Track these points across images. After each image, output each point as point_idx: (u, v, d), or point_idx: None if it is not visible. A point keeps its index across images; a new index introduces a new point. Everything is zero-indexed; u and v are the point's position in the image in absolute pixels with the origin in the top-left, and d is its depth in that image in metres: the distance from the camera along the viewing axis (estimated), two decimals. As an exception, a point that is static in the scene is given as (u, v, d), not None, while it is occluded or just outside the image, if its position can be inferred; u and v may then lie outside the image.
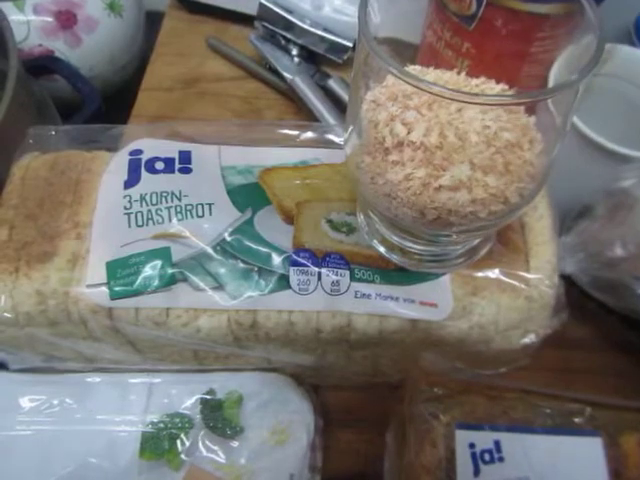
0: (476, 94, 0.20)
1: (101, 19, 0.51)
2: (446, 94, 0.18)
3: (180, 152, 0.27)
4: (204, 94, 0.44)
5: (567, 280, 0.30)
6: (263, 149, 0.28)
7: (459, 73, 0.24)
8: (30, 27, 0.48)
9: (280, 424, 0.28)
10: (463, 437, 0.27)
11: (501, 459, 0.27)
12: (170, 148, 0.28)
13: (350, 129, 0.22)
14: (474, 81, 0.23)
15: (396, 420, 0.29)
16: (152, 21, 0.54)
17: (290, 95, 0.43)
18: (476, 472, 0.26)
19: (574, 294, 0.33)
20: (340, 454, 0.29)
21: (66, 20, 0.50)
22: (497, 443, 0.27)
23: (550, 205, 0.27)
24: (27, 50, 0.47)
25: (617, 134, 0.31)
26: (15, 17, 0.47)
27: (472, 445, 0.27)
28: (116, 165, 0.27)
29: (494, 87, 0.23)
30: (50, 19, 0.49)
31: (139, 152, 0.27)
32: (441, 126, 0.20)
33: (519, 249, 0.26)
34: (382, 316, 0.24)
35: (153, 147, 0.27)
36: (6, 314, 0.24)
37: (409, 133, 0.20)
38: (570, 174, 0.31)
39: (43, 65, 0.44)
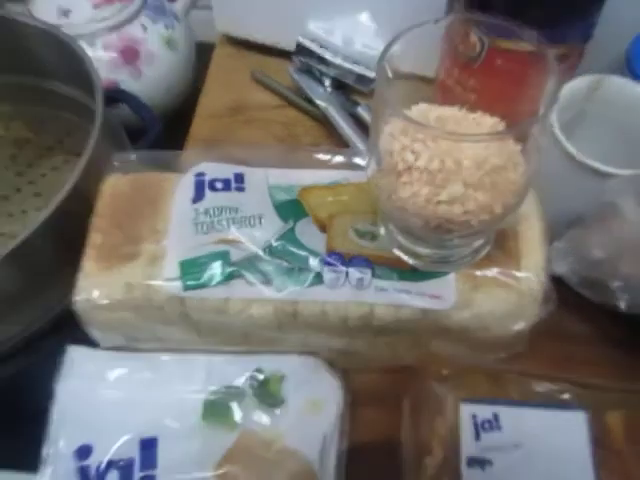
0: (455, 133, 0.26)
1: (159, 53, 0.58)
2: (436, 133, 0.24)
3: (235, 174, 0.34)
4: (249, 120, 0.50)
5: (559, 280, 0.35)
6: (301, 171, 0.35)
7: (461, 108, 0.30)
8: (98, 62, 0.56)
9: (315, 397, 0.33)
10: (467, 410, 0.33)
11: (499, 428, 0.32)
12: (227, 171, 0.34)
13: (370, 157, 0.28)
14: (472, 115, 0.29)
15: (411, 397, 0.34)
16: (201, 52, 0.61)
17: (323, 121, 0.49)
18: (477, 437, 0.32)
19: (572, 293, 0.38)
20: (364, 425, 0.35)
21: (130, 55, 0.57)
22: (495, 415, 0.32)
23: (540, 217, 0.32)
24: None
25: (608, 154, 0.36)
26: (89, 54, 0.55)
27: (474, 416, 0.32)
28: (185, 184, 0.33)
29: (488, 121, 0.28)
30: (115, 55, 0.56)
31: (202, 174, 0.34)
32: (441, 154, 0.25)
33: (512, 253, 0.31)
34: (398, 306, 0.30)
35: (213, 170, 0.34)
36: (103, 301, 0.31)
37: (416, 160, 0.26)
38: (562, 190, 0.36)
39: (111, 96, 0.52)
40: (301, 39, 0.50)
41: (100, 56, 0.55)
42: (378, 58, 0.27)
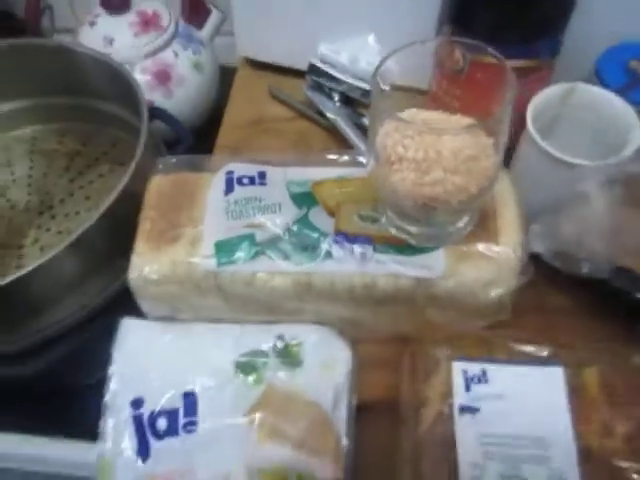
0: (434, 128, 0.32)
1: (188, 76, 0.66)
2: (420, 128, 0.30)
3: (258, 172, 0.41)
4: (267, 130, 0.57)
5: (538, 258, 0.41)
6: (314, 169, 0.41)
7: (444, 112, 0.36)
8: (135, 84, 0.63)
9: (327, 359, 0.39)
10: (459, 366, 0.38)
11: (486, 381, 0.38)
12: (251, 169, 0.41)
13: (370, 154, 0.35)
14: (453, 117, 0.35)
15: (409, 358, 0.40)
16: (224, 74, 0.68)
17: (333, 131, 0.56)
18: (467, 389, 0.37)
19: (552, 271, 0.44)
20: (369, 386, 0.40)
21: (163, 78, 0.65)
22: (483, 371, 0.38)
23: (516, 202, 0.38)
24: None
25: (581, 150, 0.42)
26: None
27: (465, 372, 0.38)
28: (217, 181, 0.40)
29: (465, 121, 0.34)
30: (150, 77, 0.64)
31: (232, 172, 0.41)
32: (425, 147, 0.32)
33: (492, 231, 0.37)
34: (395, 275, 0.36)
35: (240, 169, 0.41)
36: (152, 276, 0.37)
37: (406, 152, 0.32)
38: (540, 181, 0.43)
39: (150, 113, 0.59)
40: (313, 60, 0.57)
41: (138, 79, 0.63)
42: (372, 74, 0.33)
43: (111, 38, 0.63)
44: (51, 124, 0.60)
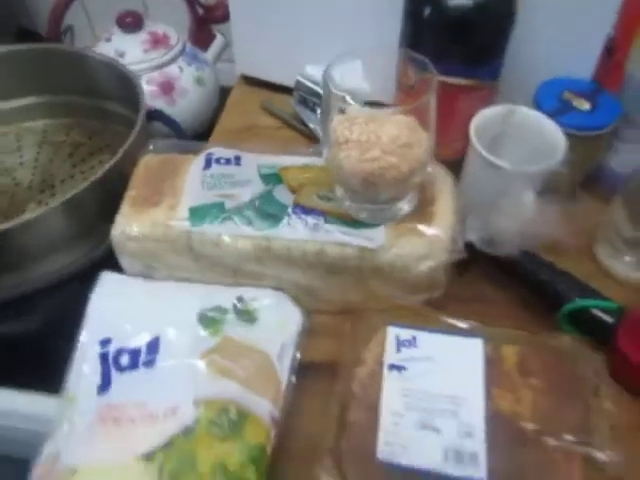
0: (369, 114, 0.38)
1: (190, 88, 0.74)
2: (360, 115, 0.37)
3: (235, 156, 0.47)
4: (256, 135, 0.64)
5: (472, 246, 0.47)
6: (284, 157, 0.48)
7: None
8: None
9: (280, 319, 0.45)
10: (393, 331, 0.43)
11: (415, 346, 0.43)
12: (229, 153, 0.48)
13: (324, 143, 0.41)
14: (396, 116, 0.42)
15: (351, 325, 0.45)
16: (223, 94, 0.76)
17: (314, 139, 0.63)
18: (398, 351, 0.42)
19: (488, 266, 0.49)
20: (315, 350, 0.45)
21: (167, 89, 0.73)
22: (414, 337, 0.43)
23: (453, 195, 0.45)
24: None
25: (519, 160, 0.49)
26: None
27: (397, 336, 0.43)
28: (198, 160, 0.47)
29: (404, 118, 0.41)
30: (156, 88, 0.72)
31: (212, 154, 0.47)
32: (368, 132, 0.38)
33: (428, 215, 0.43)
34: (341, 244, 0.42)
35: (220, 152, 0.48)
36: (133, 233, 0.43)
37: (351, 135, 0.38)
38: (480, 182, 0.49)
39: (151, 115, 0.67)
40: (300, 78, 0.65)
41: (144, 89, 0.71)
42: (322, 78, 0.40)
43: (122, 52, 0.71)
44: (61, 119, 0.67)
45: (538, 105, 0.52)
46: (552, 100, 0.52)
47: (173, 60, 0.74)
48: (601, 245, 0.53)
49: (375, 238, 0.42)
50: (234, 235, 0.43)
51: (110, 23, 0.73)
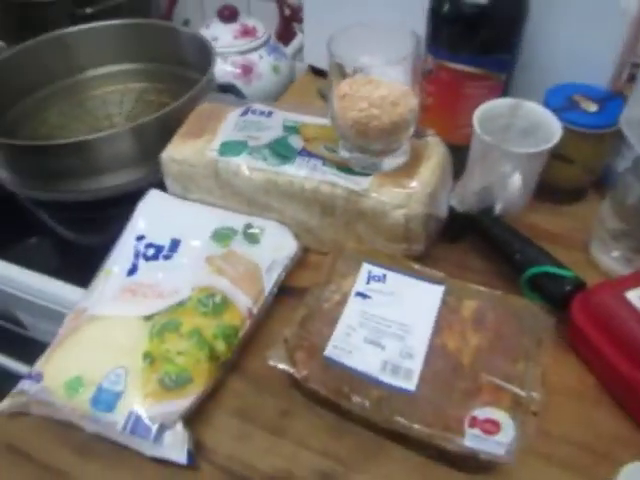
0: (365, 77, 0.46)
1: (266, 74, 0.86)
2: (359, 77, 0.45)
3: (268, 110, 0.57)
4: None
5: (453, 210, 0.53)
6: (309, 116, 0.57)
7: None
8: (226, 71, 0.84)
9: (278, 245, 0.54)
10: (366, 267, 0.50)
11: (384, 282, 0.49)
12: (265, 108, 0.58)
13: (330, 99, 0.50)
14: (393, 83, 0.50)
15: (331, 258, 0.52)
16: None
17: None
18: (367, 283, 0.49)
19: (481, 239, 0.55)
20: (302, 278, 0.53)
21: (246, 71, 0.85)
22: (384, 275, 0.50)
23: (442, 160, 0.51)
24: (221, 80, 0.82)
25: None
26: (222, 66, 0.83)
27: (370, 271, 0.50)
28: (239, 109, 0.58)
29: (399, 86, 0.48)
30: (238, 70, 0.85)
31: (251, 106, 0.58)
32: (364, 90, 0.47)
33: (412, 174, 0.50)
34: (332, 184, 0.50)
35: (258, 106, 0.58)
36: (177, 157, 0.55)
37: (350, 90, 0.47)
38: (476, 159, 0.55)
39: (226, 87, 0.79)
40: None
41: (228, 69, 0.85)
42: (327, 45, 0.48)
43: (216, 37, 0.85)
44: (155, 83, 0.82)
45: (546, 102, 0.57)
46: (560, 99, 0.57)
47: (256, 49, 0.86)
48: (594, 240, 0.57)
49: (361, 183, 0.50)
50: (251, 167, 0.53)
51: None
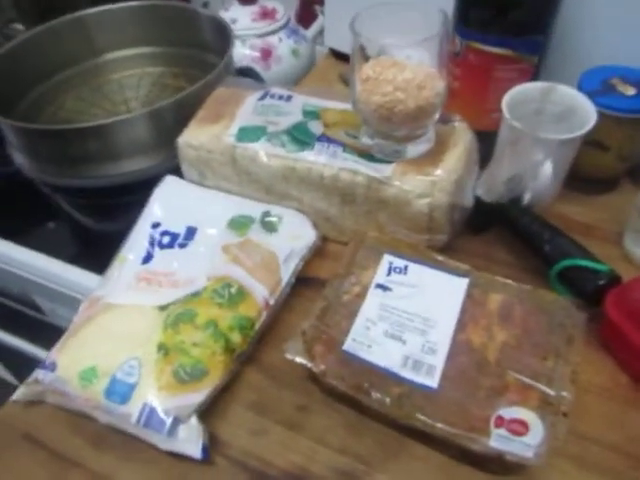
0: (388, 58, 0.44)
1: (285, 58, 0.84)
2: (383, 59, 0.43)
3: (287, 95, 0.55)
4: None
5: (479, 200, 0.51)
6: (329, 101, 0.55)
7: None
8: (244, 54, 0.82)
9: (295, 234, 0.52)
10: (387, 258, 0.48)
11: (405, 273, 0.47)
12: (284, 92, 0.56)
13: (352, 82, 0.48)
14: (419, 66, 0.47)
15: (353, 246, 0.50)
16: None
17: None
18: (388, 274, 0.47)
19: (507, 230, 0.52)
20: (321, 268, 0.52)
21: (265, 55, 0.83)
22: (406, 266, 0.48)
23: (468, 148, 0.49)
24: (240, 64, 0.80)
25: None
26: (240, 49, 0.81)
27: (391, 262, 0.48)
28: (258, 93, 0.56)
29: (425, 68, 0.46)
30: (256, 53, 0.83)
31: (269, 90, 0.56)
32: (388, 73, 0.44)
33: (437, 162, 0.48)
34: (353, 172, 0.48)
35: (276, 90, 0.56)
36: (193, 142, 0.53)
37: (373, 73, 0.45)
38: (504, 146, 0.52)
39: (244, 71, 0.77)
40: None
41: (247, 52, 0.83)
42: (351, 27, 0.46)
43: (235, 19, 0.83)
44: (172, 67, 0.81)
45: (579, 85, 0.54)
46: (595, 82, 0.54)
47: (275, 31, 0.84)
48: (628, 232, 0.54)
49: (383, 171, 0.48)
50: (269, 154, 0.51)
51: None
